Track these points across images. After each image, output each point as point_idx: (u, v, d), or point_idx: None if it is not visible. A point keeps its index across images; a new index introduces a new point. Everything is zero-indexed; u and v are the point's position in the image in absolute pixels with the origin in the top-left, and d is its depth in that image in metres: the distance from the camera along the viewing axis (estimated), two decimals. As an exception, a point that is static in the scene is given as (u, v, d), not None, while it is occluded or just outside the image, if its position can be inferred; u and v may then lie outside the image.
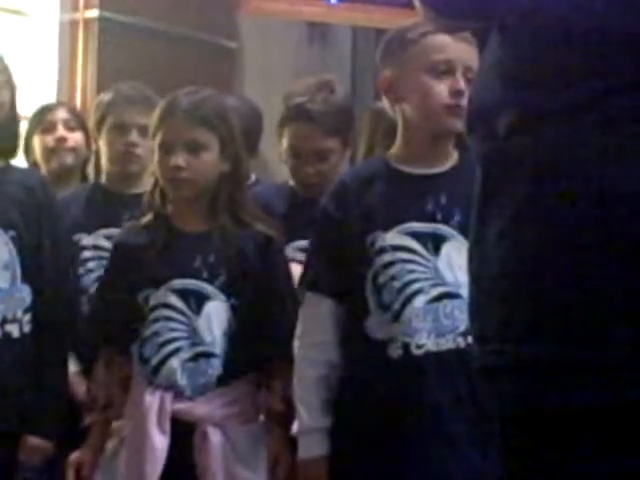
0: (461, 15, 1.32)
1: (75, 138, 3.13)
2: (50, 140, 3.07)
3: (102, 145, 2.81)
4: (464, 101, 2.03)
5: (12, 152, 2.54)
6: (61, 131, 3.10)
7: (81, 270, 2.70)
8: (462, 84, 2.05)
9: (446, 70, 2.07)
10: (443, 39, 2.08)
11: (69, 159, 3.11)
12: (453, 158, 2.14)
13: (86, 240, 2.73)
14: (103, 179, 2.85)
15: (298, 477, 2.16)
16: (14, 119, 2.51)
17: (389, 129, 2.68)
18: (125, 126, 2.73)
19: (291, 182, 2.65)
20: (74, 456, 2.32)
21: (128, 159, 2.75)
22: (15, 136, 2.56)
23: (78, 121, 3.21)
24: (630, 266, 1.11)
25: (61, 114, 3.15)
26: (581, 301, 1.13)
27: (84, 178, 3.25)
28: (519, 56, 1.21)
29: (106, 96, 2.85)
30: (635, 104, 1.12)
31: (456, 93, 2.05)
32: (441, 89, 2.06)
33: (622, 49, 1.13)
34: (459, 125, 2.04)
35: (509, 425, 1.20)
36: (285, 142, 2.58)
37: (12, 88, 2.48)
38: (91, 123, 2.88)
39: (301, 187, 2.61)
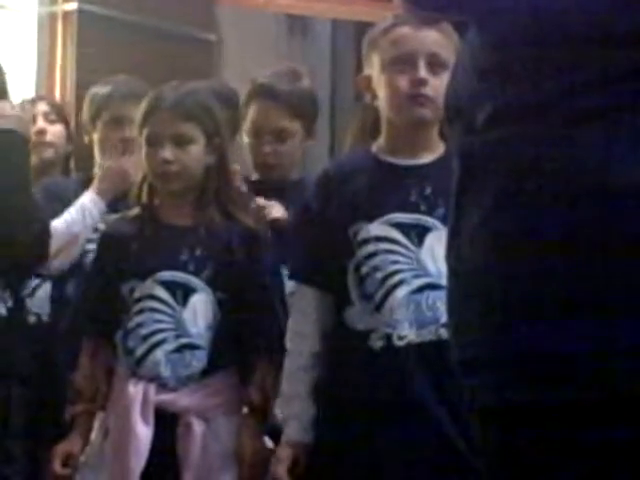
0: (437, 7, 1.33)
1: (54, 132, 3.12)
2: (32, 134, 3.07)
3: (96, 139, 2.81)
4: (428, 89, 2.06)
5: None
6: (41, 123, 3.09)
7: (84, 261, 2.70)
8: (422, 73, 2.07)
9: (407, 62, 2.08)
10: (402, 32, 2.10)
11: (48, 153, 3.10)
12: (439, 149, 2.15)
13: None
14: (96, 172, 2.85)
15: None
16: None
17: (376, 123, 2.70)
18: (121, 121, 2.74)
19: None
20: (60, 447, 2.32)
21: (122, 154, 2.76)
22: None
23: (58, 114, 3.21)
24: (605, 257, 1.12)
25: (41, 107, 3.15)
26: (558, 294, 1.14)
27: (66, 172, 3.25)
28: (496, 49, 1.21)
29: (102, 90, 2.86)
30: (608, 99, 1.14)
31: (416, 82, 2.07)
32: (403, 81, 2.08)
33: (597, 45, 1.14)
34: (426, 114, 2.08)
35: (488, 418, 1.21)
36: (248, 120, 2.59)
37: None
38: (85, 116, 2.88)
39: (258, 168, 2.61)
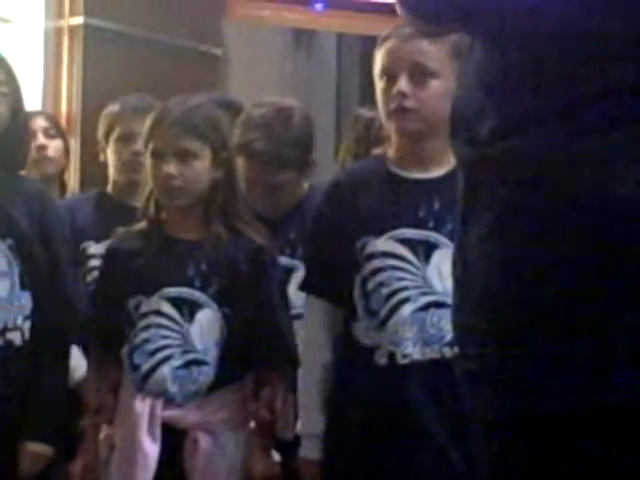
0: (439, 20, 1.33)
1: (54, 147, 3.16)
2: (32, 149, 3.08)
3: (110, 155, 2.85)
4: (408, 102, 2.05)
5: (15, 164, 2.50)
6: (41, 139, 3.13)
7: (88, 278, 2.71)
8: (402, 86, 2.06)
9: (389, 76, 2.08)
10: (387, 45, 2.10)
11: (50, 169, 3.17)
12: (450, 164, 2.09)
13: (93, 249, 2.75)
14: (109, 188, 2.89)
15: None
16: (16, 130, 2.46)
17: (363, 135, 2.69)
18: (132, 136, 2.76)
19: None
20: (77, 467, 2.31)
21: (134, 168, 2.78)
22: (17, 148, 2.50)
23: (57, 129, 3.24)
24: (616, 271, 1.12)
25: (40, 122, 3.18)
26: (563, 304, 1.14)
27: (62, 186, 3.27)
28: (501, 62, 1.22)
29: (113, 107, 2.90)
30: (613, 111, 1.14)
31: (396, 96, 2.06)
32: (385, 95, 2.08)
33: (596, 59, 1.15)
34: (409, 126, 2.07)
35: (492, 429, 1.21)
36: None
37: (14, 98, 2.47)
38: (99, 134, 2.91)
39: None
